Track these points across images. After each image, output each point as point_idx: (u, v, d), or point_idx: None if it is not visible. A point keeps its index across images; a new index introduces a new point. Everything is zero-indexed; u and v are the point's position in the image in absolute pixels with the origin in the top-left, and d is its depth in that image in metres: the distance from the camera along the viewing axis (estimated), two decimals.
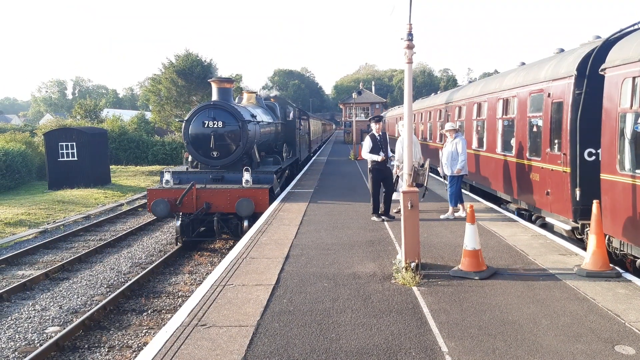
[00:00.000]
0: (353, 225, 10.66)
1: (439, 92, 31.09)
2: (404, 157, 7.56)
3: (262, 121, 16.59)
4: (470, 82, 24.30)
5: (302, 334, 5.23)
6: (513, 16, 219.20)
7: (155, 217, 16.36)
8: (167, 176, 13.64)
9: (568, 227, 9.25)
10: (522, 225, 10.23)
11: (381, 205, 11.47)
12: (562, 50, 10.70)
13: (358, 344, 4.98)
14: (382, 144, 11.32)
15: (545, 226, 10.24)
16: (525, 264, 7.55)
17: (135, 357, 5.04)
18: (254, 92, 19.75)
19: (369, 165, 11.47)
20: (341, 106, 68.24)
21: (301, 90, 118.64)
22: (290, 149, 21.42)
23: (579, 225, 8.95)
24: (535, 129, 10.62)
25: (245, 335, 5.20)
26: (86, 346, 7.97)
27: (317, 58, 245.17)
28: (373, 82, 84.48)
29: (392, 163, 11.93)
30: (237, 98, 18.87)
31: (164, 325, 5.76)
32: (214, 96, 14.81)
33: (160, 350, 4.94)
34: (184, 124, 14.26)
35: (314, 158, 32.45)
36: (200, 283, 9.37)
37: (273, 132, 18.80)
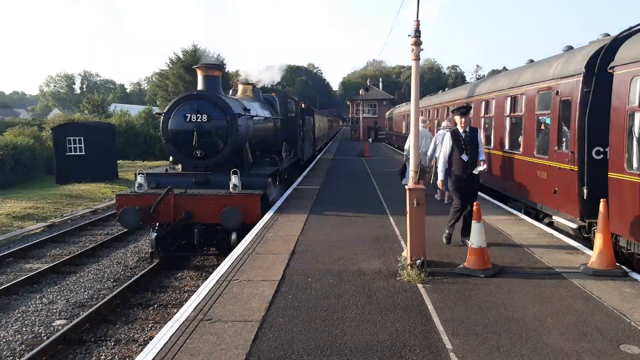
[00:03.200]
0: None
1: (446, 89, 31.00)
2: (410, 154, 7.55)
3: (257, 116, 14.46)
4: (478, 79, 24.21)
5: (306, 330, 5.25)
6: (522, 13, 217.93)
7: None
8: (140, 179, 11.54)
9: (575, 226, 9.22)
10: (529, 224, 10.19)
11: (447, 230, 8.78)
12: (571, 47, 10.64)
13: (362, 341, 4.99)
14: (467, 144, 8.41)
15: (552, 225, 10.20)
16: (531, 262, 7.53)
17: (141, 350, 5.07)
18: (251, 84, 17.65)
19: (439, 170, 8.92)
20: (348, 103, 68.23)
21: (308, 87, 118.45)
22: (292, 147, 19.17)
23: (586, 224, 8.92)
24: (543, 127, 10.58)
25: (250, 330, 5.23)
26: (92, 339, 8.02)
27: (324, 54, 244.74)
28: (381, 79, 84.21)
29: (479, 165, 8.58)
30: (231, 91, 17.18)
31: (169, 319, 5.78)
32: (199, 86, 12.78)
33: (166, 344, 4.97)
34: (162, 117, 12.25)
35: (319, 156, 30.67)
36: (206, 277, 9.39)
37: (271, 129, 16.70)
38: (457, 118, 8.54)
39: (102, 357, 7.42)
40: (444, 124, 14.87)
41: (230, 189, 11.18)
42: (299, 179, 17.28)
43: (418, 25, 7.08)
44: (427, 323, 5.41)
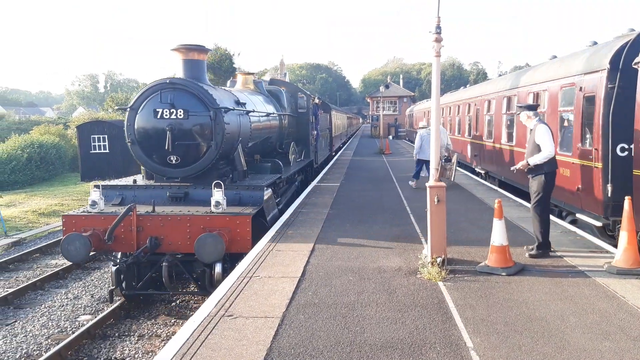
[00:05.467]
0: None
1: (467, 85, 30.75)
2: (431, 151, 7.52)
3: (255, 111, 11.85)
4: (500, 75, 23.97)
5: (326, 327, 5.27)
6: (546, 7, 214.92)
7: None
8: (94, 195, 8.84)
9: (599, 224, 9.09)
10: (552, 222, 10.06)
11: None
12: (595, 43, 10.48)
13: (382, 338, 4.99)
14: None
15: (576, 222, 10.07)
16: (554, 260, 7.45)
17: (164, 346, 5.15)
18: (251, 74, 15.08)
19: (537, 169, 7.74)
20: (368, 100, 68.02)
21: (328, 84, 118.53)
22: (303, 148, 16.59)
23: (610, 222, 8.79)
24: (566, 124, 10.45)
25: (270, 327, 5.27)
26: (116, 334, 8.17)
27: (344, 51, 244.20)
28: (401, 76, 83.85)
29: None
30: (229, 82, 15.27)
31: (191, 315, 5.86)
32: (179, 73, 10.13)
33: (188, 339, 5.03)
34: (127, 113, 9.59)
35: (336, 157, 27.55)
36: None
37: (275, 128, 13.90)
38: (530, 113, 7.93)
39: (126, 352, 7.55)
40: (422, 123, 16.41)
41: (212, 207, 8.55)
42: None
43: (439, 21, 7.04)
44: (447, 321, 5.39)
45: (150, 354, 7.40)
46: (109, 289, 9.17)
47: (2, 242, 14.41)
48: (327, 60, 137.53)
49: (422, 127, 15.27)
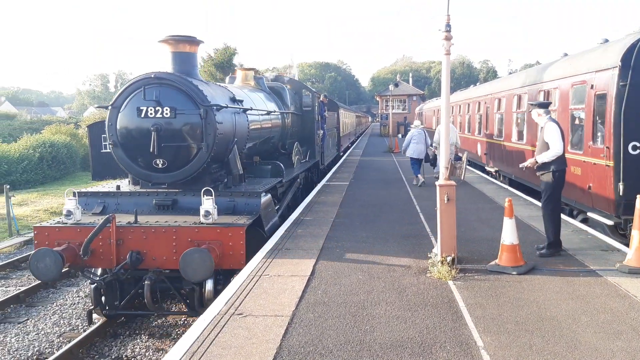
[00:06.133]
0: None
1: (477, 83, 30.61)
2: (441, 150, 7.50)
3: (254, 109, 10.85)
4: (510, 73, 23.84)
5: (336, 325, 5.28)
6: (557, 5, 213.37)
7: None
8: (69, 204, 7.93)
9: (610, 223, 9.02)
10: (563, 220, 9.99)
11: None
12: (607, 40, 10.39)
13: (392, 337, 4.99)
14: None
15: (587, 221, 10.00)
16: (565, 259, 7.40)
17: (174, 344, 5.17)
18: (252, 70, 14.20)
19: (546, 167, 7.63)
20: (377, 98, 67.94)
21: (337, 83, 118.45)
22: (308, 149, 15.47)
23: (622, 221, 8.72)
24: (577, 122, 10.38)
25: (280, 325, 5.28)
26: (127, 333, 8.22)
27: (354, 50, 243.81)
28: (410, 74, 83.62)
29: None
30: (227, 79, 14.43)
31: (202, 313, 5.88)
32: (168, 66, 9.05)
33: (198, 337, 5.06)
34: (108, 112, 8.72)
35: (344, 157, 26.49)
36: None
37: (277, 127, 12.95)
38: (541, 111, 7.82)
39: (137, 350, 7.60)
40: (416, 122, 17.00)
41: (201, 218, 7.65)
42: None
43: (449, 19, 7.02)
44: (457, 320, 5.38)
45: (161, 352, 7.44)
46: (89, 308, 8.32)
47: (14, 241, 14.55)
48: (336, 59, 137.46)
49: (415, 127, 16.02)
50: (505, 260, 6.97)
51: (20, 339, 8.14)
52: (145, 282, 7.58)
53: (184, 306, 8.47)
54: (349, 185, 15.62)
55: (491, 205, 11.98)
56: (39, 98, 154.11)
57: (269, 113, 12.15)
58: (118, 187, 9.21)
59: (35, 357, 7.59)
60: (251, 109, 10.55)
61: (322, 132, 17.34)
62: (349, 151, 31.34)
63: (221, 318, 5.53)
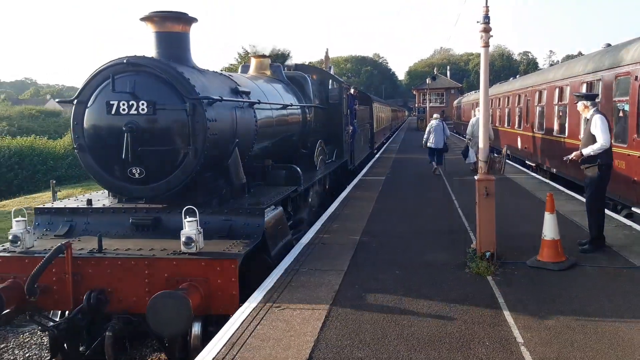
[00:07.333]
0: None
1: (517, 76, 30.03)
2: (480, 144, 7.40)
3: (264, 103, 8.99)
4: (551, 65, 23.27)
5: (373, 319, 5.29)
6: None
7: None
8: (17, 227, 6.31)
9: None
10: (606, 215, 9.74)
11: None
12: None
13: (430, 332, 4.97)
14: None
15: (631, 217, 9.72)
16: (608, 255, 7.22)
17: (214, 335, 5.27)
18: (267, 57, 11.97)
19: (591, 161, 7.35)
20: (414, 92, 67.32)
21: (374, 77, 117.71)
22: (334, 147, 13.62)
23: None
24: (621, 114, 10.09)
25: (318, 318, 5.32)
26: None
27: (390, 43, 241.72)
28: (448, 67, 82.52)
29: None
30: (240, 68, 12.51)
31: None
32: (152, 51, 7.20)
33: (237, 329, 5.13)
34: (73, 108, 6.97)
35: (377, 155, 24.33)
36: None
37: (297, 123, 10.97)
38: (588, 103, 7.52)
39: None
40: (435, 116, 17.77)
41: (182, 246, 5.96)
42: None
43: (487, 11, 6.91)
44: (497, 316, 5.32)
45: None
46: (45, 358, 6.56)
47: None
48: (372, 52, 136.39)
49: (435, 119, 17.07)
50: (546, 255, 6.84)
51: None
52: (107, 332, 5.80)
53: (163, 355, 6.71)
54: (385, 180, 15.57)
55: (531, 199, 11.75)
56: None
57: (285, 107, 10.25)
58: (89, 201, 7.43)
59: None
60: (259, 102, 8.68)
61: (351, 128, 15.59)
62: (384, 147, 30.05)
63: (259, 310, 5.54)
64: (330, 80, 14.07)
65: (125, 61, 6.66)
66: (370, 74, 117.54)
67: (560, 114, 14.10)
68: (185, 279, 5.76)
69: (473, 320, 5.23)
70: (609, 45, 12.37)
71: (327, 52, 31.06)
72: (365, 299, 5.85)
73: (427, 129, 16.95)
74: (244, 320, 5.34)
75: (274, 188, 8.43)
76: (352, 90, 16.75)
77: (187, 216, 6.05)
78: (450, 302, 5.71)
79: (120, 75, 6.64)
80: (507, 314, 5.34)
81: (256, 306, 5.70)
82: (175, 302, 5.27)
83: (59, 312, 6.34)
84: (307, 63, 17.29)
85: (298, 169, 9.16)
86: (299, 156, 11.10)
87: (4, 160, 27.79)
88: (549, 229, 6.87)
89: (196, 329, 5.79)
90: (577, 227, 8.87)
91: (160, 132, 6.69)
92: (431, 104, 50.81)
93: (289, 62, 14.08)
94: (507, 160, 17.31)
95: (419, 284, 6.28)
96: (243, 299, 5.86)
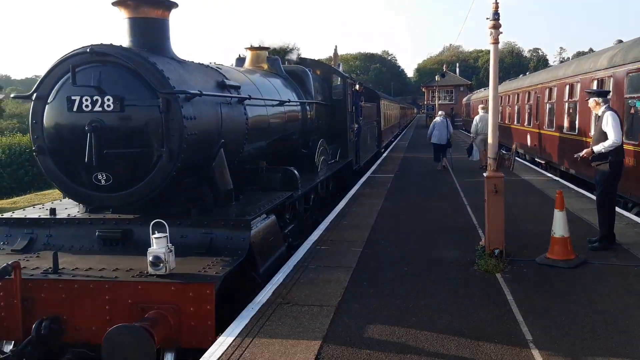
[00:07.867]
0: None
1: (527, 73, 29.85)
2: (489, 140, 7.38)
3: (256, 99, 8.15)
4: (562, 62, 23.12)
5: (382, 316, 5.29)
6: None
7: None
8: None
9: None
10: (617, 213, 9.67)
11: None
12: None
13: (439, 329, 4.97)
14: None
15: None
16: (618, 253, 7.18)
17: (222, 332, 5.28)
18: (265, 49, 10.93)
19: (603, 158, 7.27)
20: (423, 89, 67.02)
21: (382, 74, 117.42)
22: (338, 146, 12.86)
23: None
24: (632, 111, 10.01)
25: (326, 315, 5.32)
26: None
27: (399, 40, 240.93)
28: (457, 64, 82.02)
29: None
30: (234, 62, 11.59)
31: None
32: (125, 40, 6.31)
33: (246, 325, 5.14)
34: (32, 104, 6.11)
35: (385, 154, 23.85)
36: None
37: (296, 121, 10.25)
38: (600, 100, 7.46)
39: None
40: (439, 112, 18.47)
41: (149, 268, 5.16)
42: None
43: (497, 7, 6.88)
44: (506, 313, 5.31)
45: None
46: None
47: None
48: (380, 49, 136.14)
49: (439, 116, 17.66)
50: (556, 253, 6.82)
51: None
52: None
53: None
54: (394, 177, 15.56)
55: (541, 197, 11.70)
56: None
57: (282, 103, 9.38)
58: (53, 210, 6.47)
59: None
60: (250, 98, 7.78)
61: (357, 126, 14.88)
62: (392, 145, 29.66)
63: (268, 307, 5.51)
64: (334, 75, 13.42)
65: (88, 50, 5.79)
66: (379, 71, 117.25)
67: (571, 111, 14.02)
68: (152, 307, 4.94)
69: (482, 317, 5.22)
70: (620, 41, 12.29)
71: (335, 49, 30.96)
72: (373, 295, 5.84)
73: (431, 125, 17.61)
74: (252, 316, 5.29)
75: (267, 194, 7.59)
76: (357, 86, 15.66)
77: (156, 231, 5.21)
78: (459, 299, 5.71)
79: (84, 66, 5.81)
80: (516, 311, 5.33)
81: (267, 300, 5.67)
82: (134, 336, 4.44)
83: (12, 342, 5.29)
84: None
85: (295, 171, 8.36)
86: (298, 157, 10.20)
87: (15, 157, 27.98)
88: (559, 226, 6.84)
89: (169, 358, 4.97)
90: (587, 224, 8.83)
91: (129, 131, 5.86)
92: (440, 101, 50.62)
93: (289, 56, 13.03)
94: (516, 158, 17.25)
95: (428, 282, 6.28)
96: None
